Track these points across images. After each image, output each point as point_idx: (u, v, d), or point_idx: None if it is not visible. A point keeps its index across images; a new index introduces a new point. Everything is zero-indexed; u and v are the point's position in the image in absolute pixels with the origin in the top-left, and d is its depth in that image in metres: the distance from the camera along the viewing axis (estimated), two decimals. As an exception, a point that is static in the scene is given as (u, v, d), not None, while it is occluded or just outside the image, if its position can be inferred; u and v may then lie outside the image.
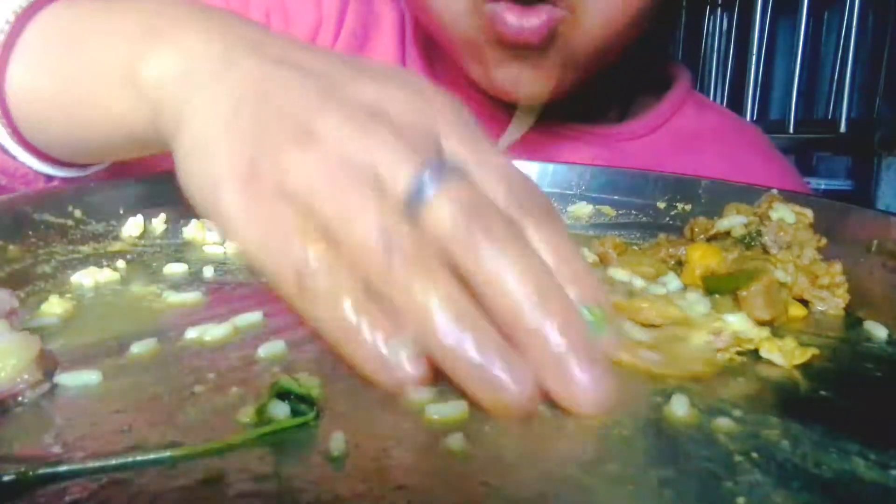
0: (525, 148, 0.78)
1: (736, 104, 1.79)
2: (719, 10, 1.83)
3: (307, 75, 0.36)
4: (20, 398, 0.28)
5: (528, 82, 0.67)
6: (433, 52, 0.82)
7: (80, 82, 0.48)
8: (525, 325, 0.29)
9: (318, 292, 0.30)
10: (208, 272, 0.46)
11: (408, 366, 0.29)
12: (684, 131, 0.85)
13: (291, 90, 0.35)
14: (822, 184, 1.74)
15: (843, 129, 1.56)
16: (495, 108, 0.79)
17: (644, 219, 0.58)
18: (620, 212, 0.60)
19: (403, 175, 0.31)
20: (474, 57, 0.68)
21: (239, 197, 0.32)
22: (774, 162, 0.89)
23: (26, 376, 0.28)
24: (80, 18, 0.50)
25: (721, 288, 0.38)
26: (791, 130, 1.66)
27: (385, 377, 0.29)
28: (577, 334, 0.29)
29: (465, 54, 0.69)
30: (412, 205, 0.31)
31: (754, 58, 1.71)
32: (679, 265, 0.43)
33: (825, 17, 1.81)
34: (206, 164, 0.34)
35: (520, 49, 0.63)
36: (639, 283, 0.37)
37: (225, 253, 0.52)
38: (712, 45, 1.86)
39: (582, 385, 0.27)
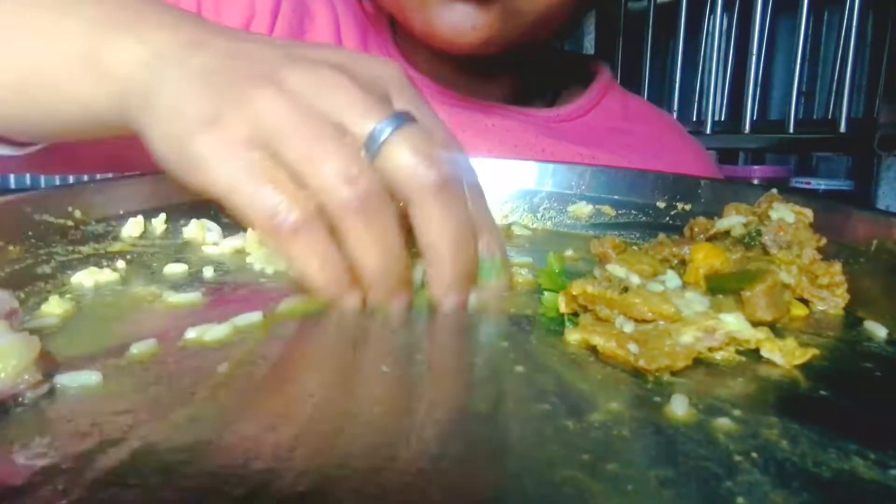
0: (466, 122, 0.82)
1: (736, 104, 1.79)
2: (719, 10, 1.83)
3: (273, 47, 0.41)
4: (20, 399, 0.28)
5: (467, 28, 0.69)
6: (371, 48, 0.85)
7: (37, 66, 0.47)
8: (438, 255, 0.39)
9: (285, 221, 0.36)
10: (208, 272, 0.46)
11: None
12: (612, 115, 0.93)
13: (255, 55, 0.40)
14: (822, 184, 1.74)
15: (843, 129, 1.56)
16: (436, 102, 0.81)
17: (644, 218, 0.58)
18: (620, 211, 0.60)
19: (366, 122, 0.37)
20: (416, 4, 0.70)
21: (209, 141, 0.36)
22: (690, 141, 1.00)
23: (26, 377, 0.28)
24: (35, 6, 0.49)
25: (725, 288, 0.38)
26: (791, 130, 1.65)
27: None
28: (470, 274, 0.40)
29: (406, 3, 0.72)
30: (371, 147, 0.37)
31: (754, 58, 1.70)
32: (682, 264, 0.43)
33: (825, 17, 1.81)
34: (176, 120, 0.38)
35: None
36: (636, 279, 0.37)
37: (222, 252, 0.52)
38: (712, 45, 1.86)
39: (450, 300, 0.40)
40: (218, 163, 0.36)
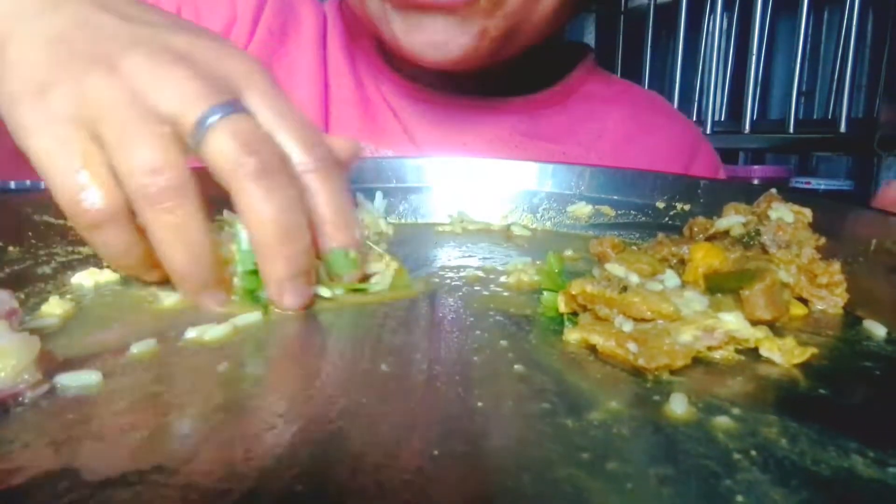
0: (444, 119, 0.82)
1: (736, 104, 1.79)
2: (719, 9, 1.83)
3: (127, 21, 0.39)
4: (20, 398, 0.28)
5: (440, 44, 0.66)
6: (355, 49, 0.85)
7: None
8: (262, 248, 0.37)
9: (90, 210, 0.36)
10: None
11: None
12: (594, 97, 0.92)
13: (106, 30, 0.39)
14: (822, 184, 1.74)
15: (843, 129, 1.56)
16: (416, 100, 0.82)
17: (643, 219, 0.58)
18: (620, 212, 0.60)
19: (194, 110, 0.36)
20: (386, 21, 0.68)
21: (32, 110, 0.36)
22: (677, 120, 0.98)
23: (26, 377, 0.29)
24: None
25: (724, 287, 0.38)
26: (791, 130, 1.66)
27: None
28: (301, 268, 0.39)
29: (377, 20, 0.69)
30: (197, 135, 0.36)
31: (754, 58, 1.71)
32: (681, 264, 0.43)
33: (825, 17, 1.81)
34: (11, 80, 0.37)
35: (431, 13, 0.64)
36: (635, 279, 0.37)
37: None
38: (712, 45, 1.86)
39: (286, 300, 0.39)
40: (37, 134, 0.36)
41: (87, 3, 0.40)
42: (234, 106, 0.37)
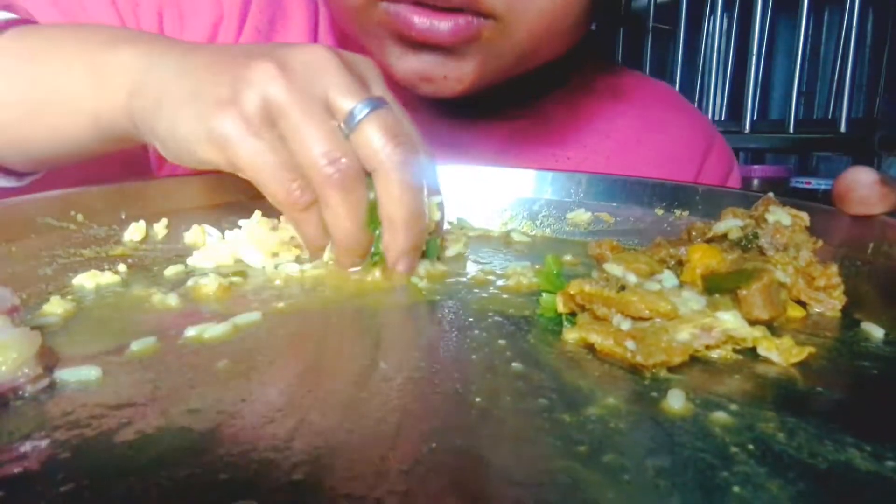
0: (444, 130, 0.78)
1: (736, 104, 1.79)
2: (719, 10, 1.83)
3: (259, 46, 0.47)
4: (20, 392, 0.28)
5: (437, 77, 0.63)
6: (348, 45, 0.81)
7: (47, 87, 0.52)
8: (394, 224, 0.45)
9: (302, 196, 0.44)
10: (208, 274, 0.47)
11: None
12: (601, 94, 0.87)
13: (248, 49, 0.46)
14: (822, 184, 1.74)
15: (843, 129, 1.56)
16: (415, 109, 0.77)
17: (642, 225, 0.58)
18: (619, 218, 0.60)
19: (347, 101, 0.43)
20: (378, 50, 0.65)
21: (230, 118, 0.42)
22: (688, 114, 0.93)
23: (27, 370, 0.29)
24: (36, 40, 0.54)
25: (721, 287, 0.38)
26: (791, 130, 1.65)
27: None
28: (418, 244, 0.47)
29: (370, 45, 0.66)
30: (349, 123, 0.43)
31: (754, 58, 1.71)
32: (679, 265, 0.43)
33: (825, 17, 1.81)
34: (192, 104, 0.43)
35: (427, 47, 0.60)
36: (633, 278, 0.37)
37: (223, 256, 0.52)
38: (712, 45, 1.86)
39: (400, 265, 0.46)
40: (240, 141, 0.42)
41: (208, 47, 0.49)
42: (378, 101, 0.44)
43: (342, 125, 0.43)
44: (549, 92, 0.85)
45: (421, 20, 0.58)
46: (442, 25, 0.58)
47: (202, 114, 0.43)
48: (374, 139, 0.43)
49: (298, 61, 0.43)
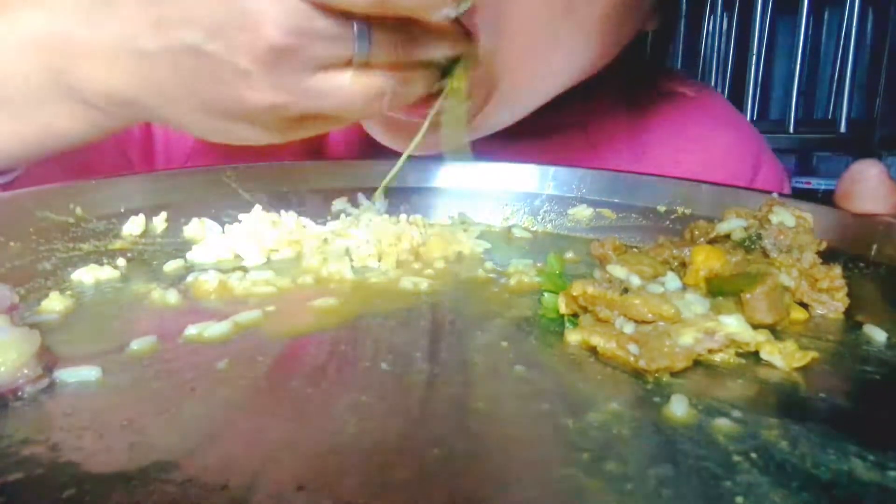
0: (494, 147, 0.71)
1: (736, 104, 1.79)
2: (719, 10, 1.83)
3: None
4: (20, 393, 0.28)
5: (431, 148, 0.54)
6: None
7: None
8: None
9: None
10: (209, 271, 0.46)
11: None
12: (637, 104, 0.80)
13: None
14: (822, 184, 1.74)
15: (843, 129, 1.56)
16: None
17: (644, 222, 0.58)
18: (620, 215, 0.60)
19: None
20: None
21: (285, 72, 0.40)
22: (734, 128, 0.82)
23: (26, 371, 0.29)
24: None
25: (725, 290, 0.38)
26: (791, 130, 1.66)
27: None
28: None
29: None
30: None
31: (754, 58, 1.71)
32: (682, 266, 0.43)
33: (825, 17, 1.81)
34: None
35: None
36: (636, 280, 0.37)
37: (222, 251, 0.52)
38: (712, 45, 1.86)
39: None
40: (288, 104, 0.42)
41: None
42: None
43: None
44: (585, 103, 0.77)
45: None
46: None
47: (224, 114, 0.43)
48: None
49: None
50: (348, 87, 0.42)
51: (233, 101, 0.42)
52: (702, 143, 0.78)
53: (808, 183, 1.77)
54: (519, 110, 0.63)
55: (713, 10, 1.84)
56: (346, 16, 0.40)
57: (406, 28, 0.42)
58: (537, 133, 0.76)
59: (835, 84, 1.73)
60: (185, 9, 0.40)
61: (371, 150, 0.71)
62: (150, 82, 0.43)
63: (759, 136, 0.85)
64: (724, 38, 1.86)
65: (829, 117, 1.72)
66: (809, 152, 1.90)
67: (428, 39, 0.44)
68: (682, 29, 1.86)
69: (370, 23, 0.40)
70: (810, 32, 1.73)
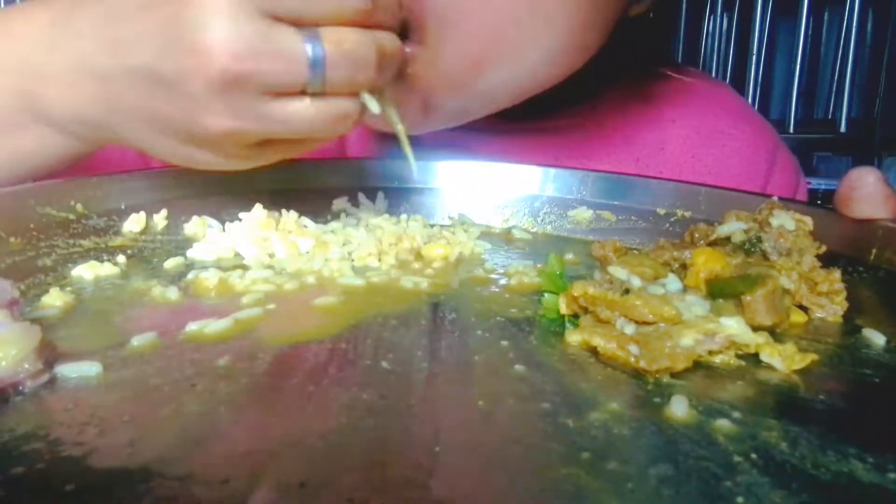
0: (480, 145, 0.72)
1: (736, 104, 1.79)
2: (719, 10, 1.83)
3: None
4: (20, 388, 0.28)
5: (415, 127, 0.55)
6: None
7: None
8: None
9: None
10: (209, 268, 0.46)
11: None
12: (652, 100, 0.79)
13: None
14: (822, 184, 1.74)
15: (843, 129, 1.56)
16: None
17: (644, 224, 0.58)
18: (620, 217, 0.60)
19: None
20: None
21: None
22: (749, 124, 0.81)
23: (27, 366, 0.29)
24: None
25: (725, 292, 0.38)
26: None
27: None
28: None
29: None
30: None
31: (754, 58, 1.71)
32: (683, 268, 0.43)
33: (825, 17, 1.81)
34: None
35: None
36: (637, 282, 0.37)
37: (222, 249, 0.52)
38: (712, 46, 1.86)
39: None
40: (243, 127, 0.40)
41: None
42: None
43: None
44: (596, 95, 0.77)
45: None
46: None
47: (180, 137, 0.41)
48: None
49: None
50: (306, 112, 0.40)
51: (190, 125, 0.41)
52: (720, 138, 0.77)
53: (809, 183, 1.76)
54: (484, 102, 0.59)
55: (713, 10, 1.84)
56: (299, 31, 0.39)
57: (361, 50, 0.41)
58: (551, 127, 0.76)
59: (835, 84, 1.73)
60: (139, 31, 0.40)
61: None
62: (111, 104, 0.43)
63: (773, 130, 0.84)
64: (724, 38, 1.86)
65: (830, 117, 1.72)
66: (809, 152, 1.89)
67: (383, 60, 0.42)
68: (682, 29, 1.86)
69: (324, 48, 0.39)
70: (810, 32, 1.73)
